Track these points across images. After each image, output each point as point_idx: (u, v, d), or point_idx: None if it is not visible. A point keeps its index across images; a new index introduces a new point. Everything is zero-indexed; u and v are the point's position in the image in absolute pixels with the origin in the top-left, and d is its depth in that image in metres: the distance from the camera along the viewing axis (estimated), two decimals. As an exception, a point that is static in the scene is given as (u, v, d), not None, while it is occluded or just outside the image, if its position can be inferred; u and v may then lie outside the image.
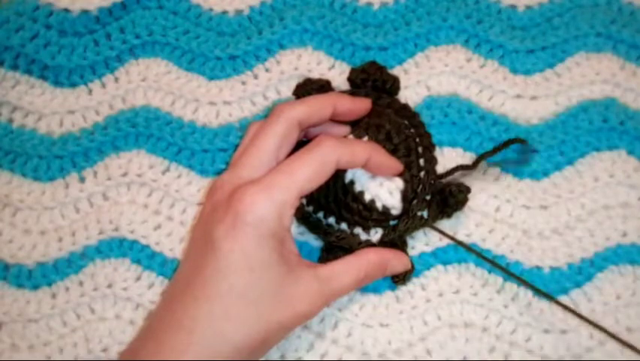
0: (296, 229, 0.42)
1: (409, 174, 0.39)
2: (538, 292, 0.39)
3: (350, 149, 0.36)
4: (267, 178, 0.34)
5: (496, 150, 0.41)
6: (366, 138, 0.39)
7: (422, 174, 0.40)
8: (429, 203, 0.40)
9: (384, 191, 0.38)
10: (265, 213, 0.33)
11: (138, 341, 0.36)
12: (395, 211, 0.38)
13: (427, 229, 0.41)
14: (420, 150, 0.41)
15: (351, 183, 0.38)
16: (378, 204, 0.38)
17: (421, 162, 0.40)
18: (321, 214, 0.40)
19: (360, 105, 0.40)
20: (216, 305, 0.33)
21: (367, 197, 0.38)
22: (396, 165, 0.38)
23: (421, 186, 0.40)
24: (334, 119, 0.39)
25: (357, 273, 0.37)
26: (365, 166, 0.37)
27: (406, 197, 0.39)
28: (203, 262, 0.34)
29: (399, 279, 0.39)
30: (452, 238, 0.40)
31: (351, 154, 0.36)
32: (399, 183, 0.38)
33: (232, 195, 0.34)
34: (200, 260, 0.34)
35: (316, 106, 0.37)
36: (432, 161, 0.41)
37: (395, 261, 0.39)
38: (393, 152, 0.39)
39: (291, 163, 0.35)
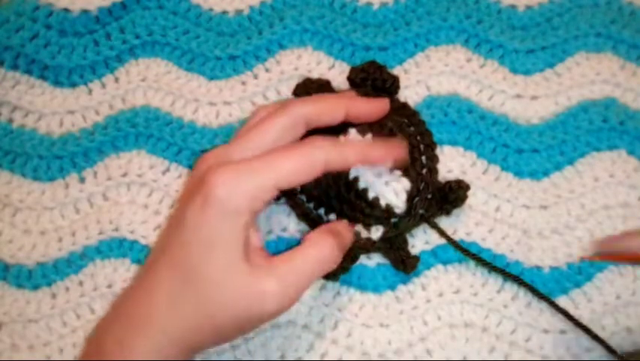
0: (296, 227, 0.42)
1: (414, 173, 0.39)
2: (536, 293, 0.39)
3: (340, 150, 0.35)
4: (246, 161, 0.34)
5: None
6: (369, 135, 0.39)
7: (425, 172, 0.40)
8: (429, 200, 0.40)
9: (390, 190, 0.38)
10: (235, 192, 0.33)
11: (110, 313, 0.37)
12: (398, 210, 0.38)
13: (427, 228, 0.41)
14: (422, 147, 0.41)
15: (356, 179, 0.38)
16: (382, 202, 0.38)
17: (424, 159, 0.40)
18: (322, 211, 0.40)
19: (378, 108, 0.39)
20: (175, 280, 0.33)
21: (371, 194, 0.38)
22: (395, 150, 0.37)
23: (423, 185, 0.40)
24: (349, 121, 0.38)
25: (319, 250, 0.35)
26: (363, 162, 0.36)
27: (411, 197, 0.39)
28: (171, 237, 0.34)
29: (404, 266, 0.39)
30: (450, 239, 0.40)
31: (342, 157, 0.35)
32: (405, 184, 0.38)
33: (208, 172, 0.34)
34: (169, 236, 0.35)
35: (327, 108, 0.37)
36: (434, 159, 0.41)
37: (339, 226, 0.38)
38: None
39: (274, 152, 0.34)
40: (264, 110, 0.38)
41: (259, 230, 0.36)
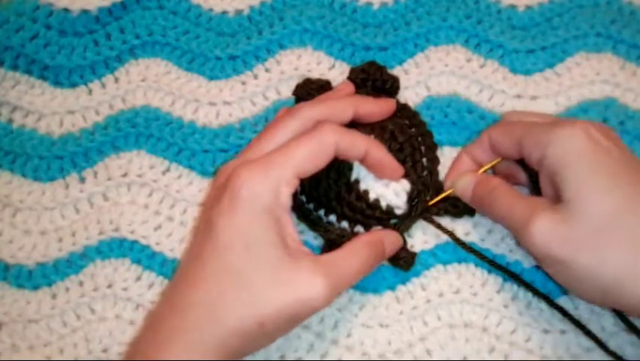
0: (296, 227, 0.42)
1: (414, 175, 0.39)
2: (536, 293, 0.39)
3: (350, 136, 0.35)
4: (264, 157, 0.34)
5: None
6: (371, 137, 0.39)
7: (425, 174, 0.40)
8: (436, 203, 0.40)
9: (390, 191, 0.38)
10: (260, 189, 0.33)
11: (140, 330, 0.36)
12: (399, 211, 0.38)
13: (426, 229, 0.41)
14: (423, 149, 0.41)
15: (356, 181, 0.38)
16: (383, 204, 0.38)
17: (424, 161, 0.41)
18: (322, 212, 0.40)
19: (384, 107, 0.40)
20: (212, 285, 0.33)
21: (372, 196, 0.38)
22: (397, 166, 0.38)
23: (423, 187, 0.40)
24: (357, 121, 0.39)
25: (361, 254, 0.36)
26: (364, 161, 0.37)
27: (411, 198, 0.39)
28: (202, 244, 0.34)
29: (402, 262, 0.39)
30: (450, 234, 0.40)
31: (351, 141, 0.35)
32: (405, 185, 0.38)
33: (230, 175, 0.34)
34: (199, 243, 0.34)
35: (336, 108, 0.37)
36: (435, 161, 0.41)
37: (388, 237, 0.38)
38: (399, 151, 0.39)
39: (288, 143, 0.35)
40: (281, 112, 0.39)
41: (292, 222, 0.36)
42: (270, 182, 0.33)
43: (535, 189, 0.39)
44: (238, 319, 0.32)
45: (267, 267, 0.33)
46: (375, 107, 0.39)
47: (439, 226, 0.40)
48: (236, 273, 0.33)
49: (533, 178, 0.39)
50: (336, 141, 0.35)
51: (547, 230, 0.34)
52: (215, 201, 0.34)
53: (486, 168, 0.41)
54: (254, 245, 0.33)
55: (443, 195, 0.41)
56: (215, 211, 0.34)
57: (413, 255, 0.40)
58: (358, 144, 0.36)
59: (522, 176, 0.40)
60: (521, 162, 0.39)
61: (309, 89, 0.42)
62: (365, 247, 0.36)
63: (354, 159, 0.37)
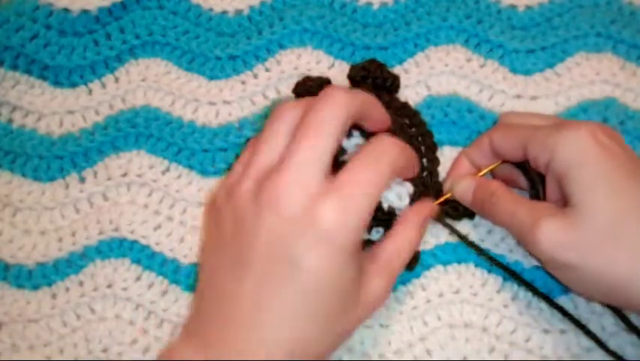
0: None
1: (415, 176, 0.39)
2: (536, 293, 0.39)
3: (407, 152, 0.35)
4: (345, 188, 0.32)
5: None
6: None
7: (425, 174, 0.40)
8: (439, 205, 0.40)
9: (393, 194, 0.38)
10: (351, 230, 0.32)
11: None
12: (400, 212, 0.38)
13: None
14: (423, 149, 0.41)
15: None
16: (385, 205, 0.38)
17: (424, 162, 0.40)
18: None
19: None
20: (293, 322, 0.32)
21: None
22: (416, 163, 0.38)
23: (424, 188, 0.40)
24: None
25: (412, 238, 0.36)
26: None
27: (413, 200, 0.39)
28: (280, 279, 0.32)
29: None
30: (454, 230, 0.40)
31: (411, 158, 0.36)
32: (409, 187, 0.38)
33: (311, 207, 0.31)
34: (272, 276, 0.32)
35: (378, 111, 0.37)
36: (435, 161, 0.41)
37: (426, 206, 0.38)
38: None
39: (362, 170, 0.33)
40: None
41: None
42: (359, 221, 0.32)
43: (535, 193, 0.39)
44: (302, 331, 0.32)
45: (348, 300, 0.33)
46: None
47: (444, 223, 0.40)
48: (319, 313, 0.32)
49: (533, 182, 0.39)
50: (399, 161, 0.34)
51: (554, 235, 0.34)
52: (295, 235, 0.31)
53: (486, 171, 0.40)
54: (341, 288, 0.32)
55: (443, 198, 0.41)
56: (301, 251, 0.31)
57: (417, 253, 0.40)
58: (412, 161, 0.36)
59: (522, 180, 0.40)
60: (521, 166, 0.39)
61: (309, 87, 0.42)
62: (416, 230, 0.37)
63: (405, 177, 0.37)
